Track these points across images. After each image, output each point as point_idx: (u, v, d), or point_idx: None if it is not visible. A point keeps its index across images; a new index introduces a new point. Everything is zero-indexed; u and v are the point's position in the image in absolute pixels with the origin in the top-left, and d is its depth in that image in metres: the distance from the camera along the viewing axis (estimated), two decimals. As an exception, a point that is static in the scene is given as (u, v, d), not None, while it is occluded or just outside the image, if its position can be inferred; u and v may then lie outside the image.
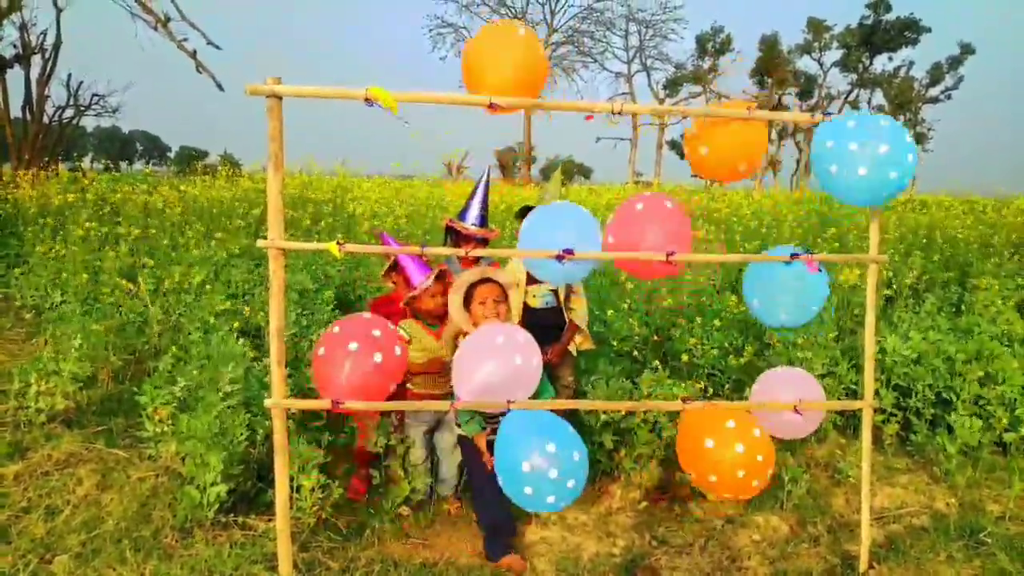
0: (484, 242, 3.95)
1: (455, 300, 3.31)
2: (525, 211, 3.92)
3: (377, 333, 2.79)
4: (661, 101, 47.90)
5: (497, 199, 11.90)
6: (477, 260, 3.98)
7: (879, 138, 2.73)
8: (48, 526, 3.29)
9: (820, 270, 2.99)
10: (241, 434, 3.54)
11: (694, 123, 3.06)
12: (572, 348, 4.12)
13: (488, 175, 4.02)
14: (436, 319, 3.65)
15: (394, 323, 3.64)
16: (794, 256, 2.96)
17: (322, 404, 2.81)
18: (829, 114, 2.93)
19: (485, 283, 3.32)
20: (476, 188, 3.96)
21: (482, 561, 3.29)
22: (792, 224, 8.82)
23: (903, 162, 2.74)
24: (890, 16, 46.03)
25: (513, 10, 45.86)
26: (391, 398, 2.91)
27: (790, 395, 3.04)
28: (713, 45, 48.75)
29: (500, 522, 3.34)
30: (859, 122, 2.80)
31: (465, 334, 3.78)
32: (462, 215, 3.93)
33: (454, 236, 3.96)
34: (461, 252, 3.05)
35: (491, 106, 2.72)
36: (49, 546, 3.15)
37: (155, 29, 11.22)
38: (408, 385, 3.64)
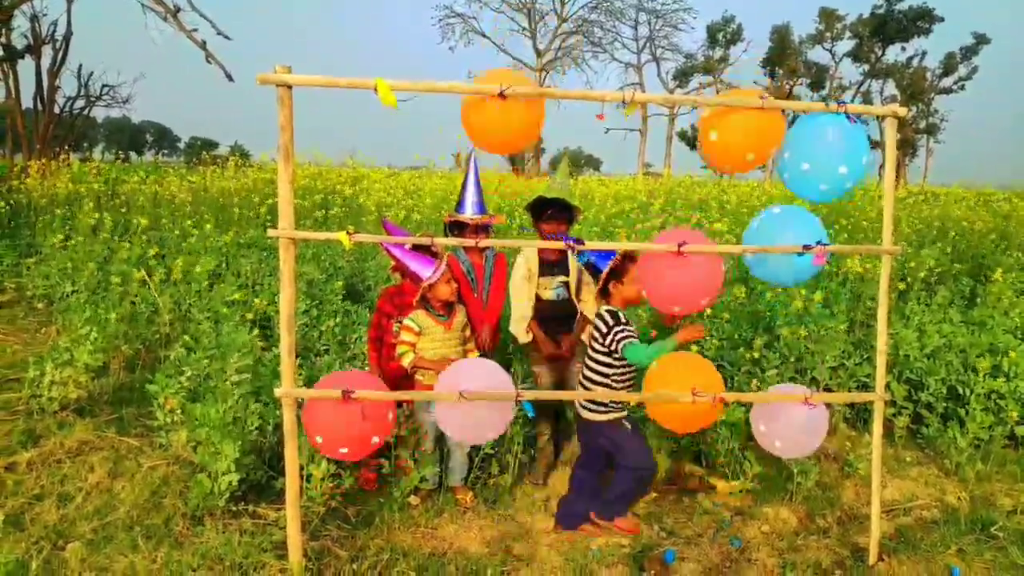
0: (486, 228, 3.95)
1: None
2: (537, 203, 3.91)
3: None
4: (671, 92, 47.59)
5: (507, 191, 11.88)
6: (484, 250, 3.99)
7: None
8: (61, 513, 3.32)
9: (828, 262, 2.97)
10: (253, 423, 3.56)
11: (707, 109, 3.02)
12: (585, 339, 4.12)
13: (475, 164, 4.01)
14: (446, 309, 3.65)
15: (405, 314, 3.66)
16: (806, 247, 2.94)
17: (333, 394, 2.81)
18: (842, 103, 2.89)
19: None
20: (466, 179, 3.96)
21: (490, 550, 3.29)
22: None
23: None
24: (903, 6, 45.45)
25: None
26: (401, 389, 2.90)
27: (786, 415, 3.10)
28: (724, 35, 48.34)
29: (630, 494, 3.55)
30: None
31: (473, 329, 3.79)
32: (459, 207, 3.92)
33: (457, 229, 3.94)
34: (470, 242, 3.04)
35: (501, 95, 2.70)
36: (62, 533, 3.18)
37: (165, 19, 11.22)
38: (417, 376, 3.64)
